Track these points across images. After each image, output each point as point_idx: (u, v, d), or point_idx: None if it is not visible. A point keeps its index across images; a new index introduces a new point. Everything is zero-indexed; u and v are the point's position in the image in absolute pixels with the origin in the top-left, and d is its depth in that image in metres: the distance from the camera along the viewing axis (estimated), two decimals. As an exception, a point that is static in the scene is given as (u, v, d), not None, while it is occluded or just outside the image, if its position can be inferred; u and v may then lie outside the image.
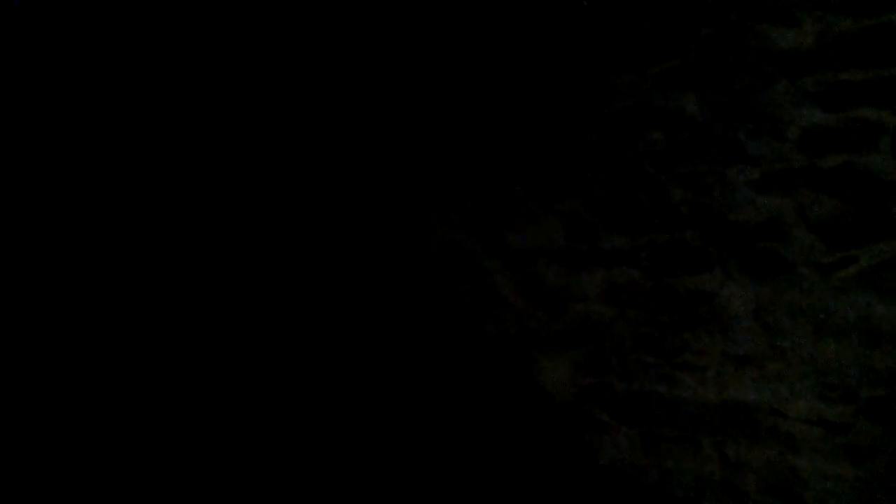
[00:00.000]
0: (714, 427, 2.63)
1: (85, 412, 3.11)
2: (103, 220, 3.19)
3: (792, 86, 2.16)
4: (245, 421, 3.23)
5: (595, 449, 2.85)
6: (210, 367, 3.25)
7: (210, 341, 3.25)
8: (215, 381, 3.24)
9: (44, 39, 2.94)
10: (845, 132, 2.16)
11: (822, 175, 2.24)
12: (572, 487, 2.90)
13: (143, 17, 3.02)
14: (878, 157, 2.15)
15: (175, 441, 3.16)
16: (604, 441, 2.83)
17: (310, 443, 3.20)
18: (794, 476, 2.54)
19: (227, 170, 3.12)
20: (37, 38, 2.93)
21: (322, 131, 3.07)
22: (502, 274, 2.83)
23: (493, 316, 2.91)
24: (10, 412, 3.04)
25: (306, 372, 3.21)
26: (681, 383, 2.65)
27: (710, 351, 2.57)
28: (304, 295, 3.19)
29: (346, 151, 3.04)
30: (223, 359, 3.25)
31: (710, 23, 2.25)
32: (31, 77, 2.92)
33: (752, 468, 2.59)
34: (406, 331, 3.07)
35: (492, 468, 3.01)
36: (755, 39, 2.19)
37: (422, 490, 3.10)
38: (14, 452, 3.04)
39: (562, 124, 2.57)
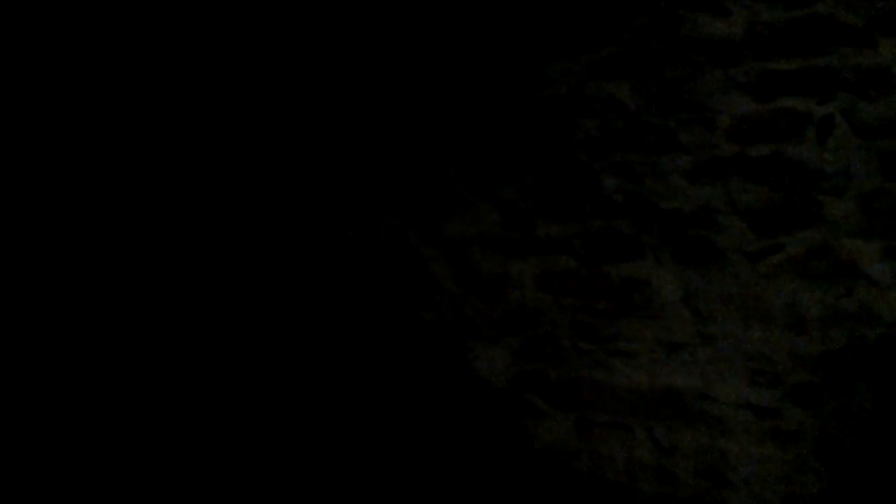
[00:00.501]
0: (646, 412, 2.66)
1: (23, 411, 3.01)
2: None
3: (722, 75, 2.18)
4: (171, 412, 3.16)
5: (530, 435, 2.87)
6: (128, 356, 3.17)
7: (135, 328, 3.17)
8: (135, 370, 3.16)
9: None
10: (773, 121, 2.19)
11: (752, 164, 2.27)
12: (508, 473, 2.91)
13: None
14: (805, 147, 2.18)
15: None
16: (539, 427, 2.85)
17: (249, 432, 3.16)
18: (722, 459, 2.59)
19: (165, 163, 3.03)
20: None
21: (261, 125, 3.00)
22: (439, 262, 2.81)
23: (430, 303, 2.89)
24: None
25: (246, 357, 3.16)
26: (614, 369, 2.67)
27: (643, 337, 2.59)
28: (246, 284, 3.13)
29: (287, 140, 2.98)
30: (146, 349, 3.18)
31: (643, 11, 2.25)
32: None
33: (682, 452, 2.63)
34: (346, 319, 3.04)
35: (428, 455, 3.00)
36: (686, 28, 2.20)
37: (361, 477, 3.08)
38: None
39: (497, 113, 2.55)
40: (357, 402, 3.05)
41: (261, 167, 2.95)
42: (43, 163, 2.93)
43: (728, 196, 2.32)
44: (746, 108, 2.21)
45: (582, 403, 2.76)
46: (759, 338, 2.43)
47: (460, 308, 2.83)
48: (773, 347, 2.43)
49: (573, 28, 2.37)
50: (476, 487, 2.95)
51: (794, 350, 2.40)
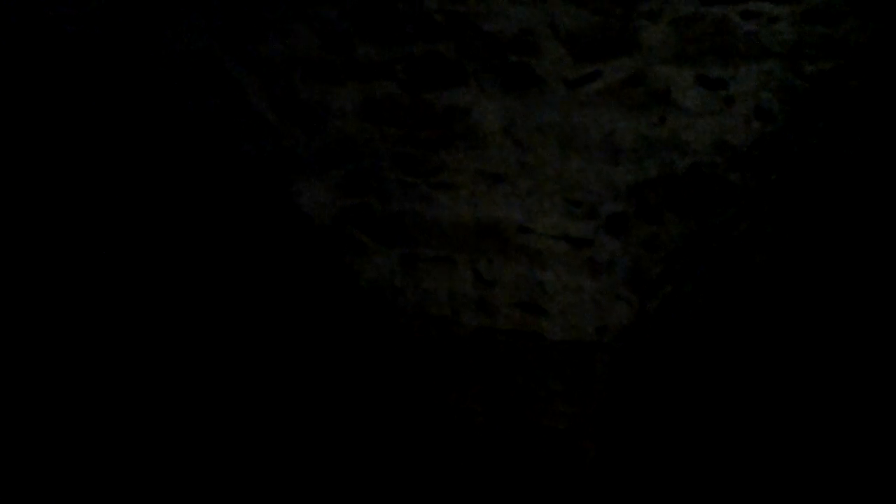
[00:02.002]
0: (469, 246, 2.65)
1: None
2: None
3: None
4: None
5: (355, 271, 2.82)
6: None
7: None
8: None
9: None
10: (595, -62, 2.10)
11: (573, -15, 2.18)
12: (334, 308, 2.88)
13: None
14: (625, -34, 2.11)
15: None
16: (364, 263, 2.80)
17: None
18: (540, 290, 2.63)
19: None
20: None
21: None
22: (255, 87, 2.64)
23: (248, 134, 2.73)
24: None
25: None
26: (438, 203, 2.63)
27: (466, 169, 2.55)
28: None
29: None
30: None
31: None
32: None
33: (502, 284, 2.66)
34: (154, 150, 2.84)
35: (250, 292, 2.92)
36: None
37: (178, 315, 2.98)
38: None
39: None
40: (171, 239, 2.91)
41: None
42: None
43: (550, 19, 2.24)
44: (568, -79, 2.10)
45: (406, 238, 2.72)
46: (576, 168, 2.43)
47: (280, 139, 2.69)
48: (589, 178, 2.43)
49: None
50: (301, 325, 2.91)
51: (609, 181, 2.42)
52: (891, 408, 2.72)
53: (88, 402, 2.83)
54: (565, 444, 2.79)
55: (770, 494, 2.90)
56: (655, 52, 2.19)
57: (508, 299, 2.68)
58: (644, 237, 2.46)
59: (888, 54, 2.07)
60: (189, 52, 2.64)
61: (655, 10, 2.13)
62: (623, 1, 2.15)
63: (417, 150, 2.57)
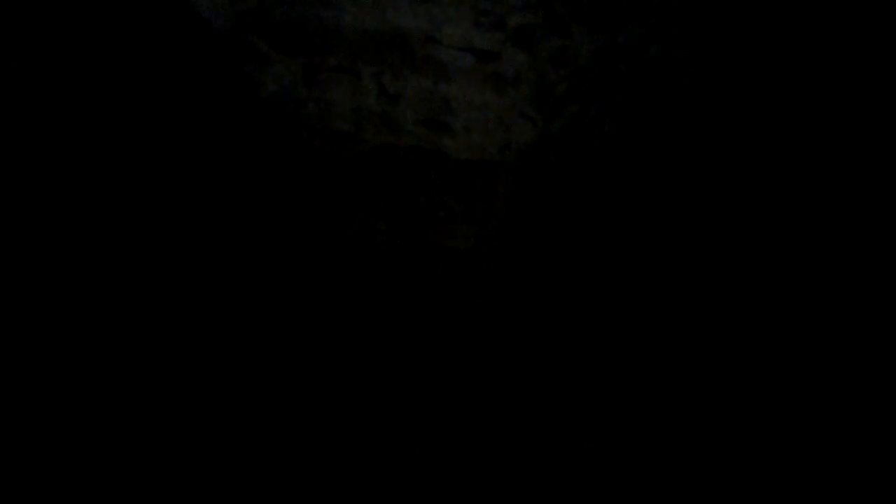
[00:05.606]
0: (374, 57, 2.56)
1: None
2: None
3: None
4: None
5: (256, 82, 2.70)
6: None
7: None
8: None
9: None
10: None
11: None
12: (233, 121, 2.77)
13: None
14: None
15: None
16: (265, 73, 2.68)
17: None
18: (445, 106, 2.58)
19: None
20: None
21: None
22: None
23: (137, -77, 2.52)
24: None
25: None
26: (342, 8, 2.51)
27: (371, -29, 2.42)
28: None
29: None
30: None
31: None
32: None
33: (407, 99, 2.59)
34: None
35: (140, 105, 2.78)
36: None
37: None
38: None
39: None
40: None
41: None
42: None
43: None
44: None
45: (309, 47, 2.61)
46: (486, -26, 2.34)
47: (173, -70, 2.49)
48: (498, -15, 2.34)
49: None
50: (200, 135, 2.79)
51: (518, -11, 2.33)
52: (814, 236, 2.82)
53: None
54: (465, 264, 2.81)
55: (664, 320, 3.02)
56: None
57: (413, 115, 2.62)
58: (551, 51, 2.41)
59: None
60: None
61: None
62: None
63: (321, -52, 2.43)
